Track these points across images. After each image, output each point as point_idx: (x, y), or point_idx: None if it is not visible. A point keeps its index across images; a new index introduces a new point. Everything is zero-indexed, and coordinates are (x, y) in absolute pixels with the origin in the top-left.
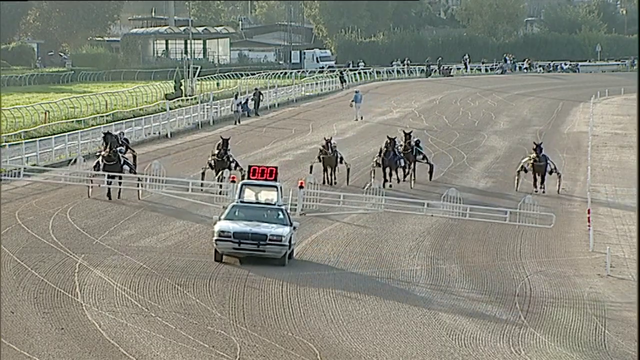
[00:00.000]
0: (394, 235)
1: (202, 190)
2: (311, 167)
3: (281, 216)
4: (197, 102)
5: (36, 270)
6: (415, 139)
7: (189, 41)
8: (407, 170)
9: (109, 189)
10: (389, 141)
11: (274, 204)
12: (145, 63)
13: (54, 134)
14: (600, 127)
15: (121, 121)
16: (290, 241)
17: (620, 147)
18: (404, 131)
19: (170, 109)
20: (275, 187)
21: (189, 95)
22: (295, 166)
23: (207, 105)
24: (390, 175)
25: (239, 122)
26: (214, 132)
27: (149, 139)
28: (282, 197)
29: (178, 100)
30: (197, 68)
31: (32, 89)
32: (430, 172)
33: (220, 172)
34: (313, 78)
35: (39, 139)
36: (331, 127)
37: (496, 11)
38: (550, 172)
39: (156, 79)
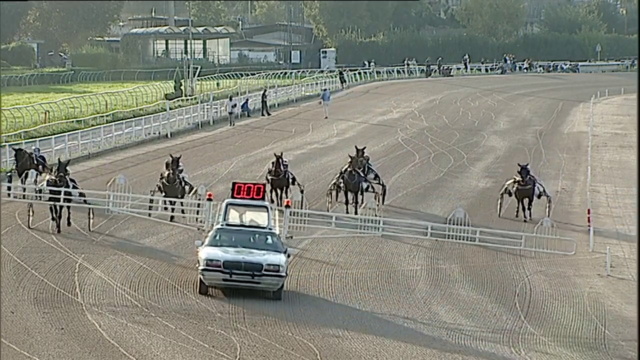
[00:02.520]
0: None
1: (180, 214)
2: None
3: (273, 241)
4: (197, 102)
5: (36, 270)
6: (366, 156)
7: (189, 41)
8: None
9: (57, 220)
10: (353, 160)
11: (265, 227)
12: (145, 63)
13: (54, 134)
14: (600, 127)
15: (121, 121)
16: (286, 271)
17: (621, 147)
18: (355, 147)
19: (170, 109)
20: (265, 207)
21: (189, 95)
22: (295, 166)
23: (207, 105)
24: (356, 201)
25: (233, 123)
26: (214, 132)
27: (148, 139)
28: (272, 218)
29: (178, 100)
30: (197, 68)
31: (32, 89)
32: (383, 195)
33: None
34: (313, 78)
35: (39, 139)
36: (331, 127)
37: (496, 11)
38: (539, 196)
39: (156, 79)
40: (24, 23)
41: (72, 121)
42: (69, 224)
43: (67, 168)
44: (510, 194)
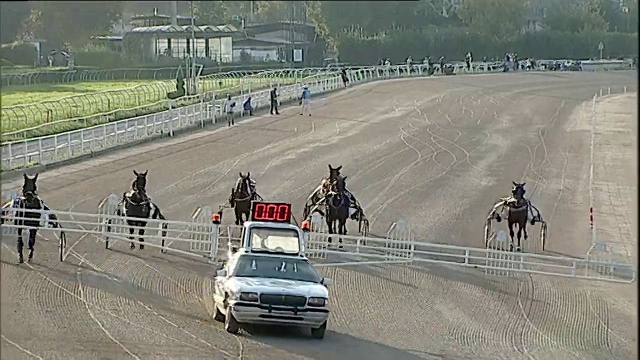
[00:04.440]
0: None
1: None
2: (220, 212)
3: (308, 270)
4: (199, 101)
5: (39, 269)
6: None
7: (191, 40)
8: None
9: (25, 249)
10: (335, 180)
11: (296, 254)
12: (147, 62)
13: (57, 133)
14: (603, 125)
15: (123, 120)
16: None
17: (623, 145)
18: (329, 167)
19: (173, 107)
20: (295, 231)
21: (191, 94)
22: (297, 165)
23: (210, 104)
24: (341, 230)
25: (232, 123)
26: (216, 131)
27: (151, 137)
28: (303, 244)
29: (180, 99)
30: (199, 67)
31: (34, 87)
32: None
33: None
34: (315, 77)
35: (42, 137)
36: (333, 126)
37: (498, 9)
38: (533, 222)
39: (158, 77)
40: (26, 22)
41: (75, 120)
42: (30, 255)
43: (36, 184)
44: (499, 219)
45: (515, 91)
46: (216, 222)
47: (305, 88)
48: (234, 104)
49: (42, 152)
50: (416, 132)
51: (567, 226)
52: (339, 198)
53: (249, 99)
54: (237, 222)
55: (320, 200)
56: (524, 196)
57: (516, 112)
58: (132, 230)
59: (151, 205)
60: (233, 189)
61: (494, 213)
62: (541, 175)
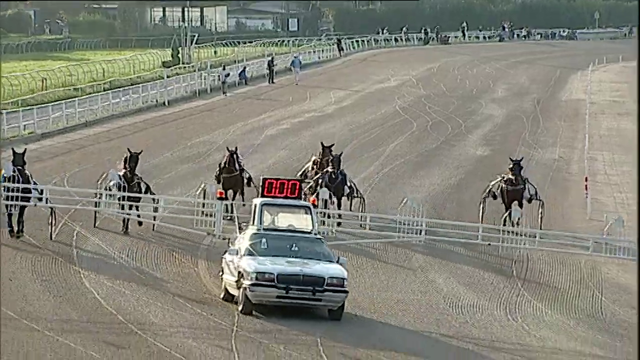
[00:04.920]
0: (391, 203)
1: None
2: (204, 191)
3: (323, 249)
4: (195, 70)
5: (34, 238)
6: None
7: (186, 8)
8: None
9: (14, 228)
10: (331, 157)
11: (310, 232)
12: (142, 31)
13: (51, 102)
14: (598, 95)
15: (118, 89)
16: None
17: (619, 114)
18: (322, 144)
19: (168, 76)
20: (308, 208)
21: (186, 63)
22: (292, 134)
23: (205, 73)
24: (338, 208)
25: (226, 92)
26: (211, 100)
27: (146, 107)
28: (316, 221)
29: (175, 68)
30: (194, 36)
31: (29, 56)
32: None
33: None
34: (310, 46)
35: (36, 106)
36: (329, 96)
37: None
38: (530, 200)
39: (153, 46)
40: None
41: (69, 89)
42: (20, 230)
43: (25, 159)
44: (495, 197)
45: (511, 60)
46: (221, 198)
47: (295, 57)
48: (228, 74)
49: (37, 121)
50: (411, 102)
51: (562, 195)
52: (334, 176)
53: (244, 68)
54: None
55: (316, 177)
56: (522, 172)
57: (512, 82)
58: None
59: (142, 185)
60: (220, 164)
61: (489, 191)
62: (536, 144)
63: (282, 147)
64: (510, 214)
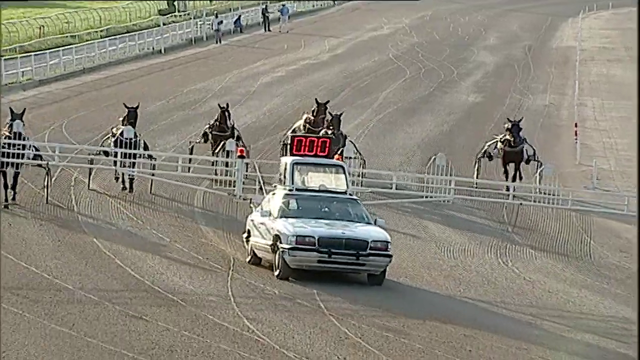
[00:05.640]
0: (384, 150)
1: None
2: (192, 148)
3: (360, 211)
4: (190, 18)
5: (33, 183)
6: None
7: None
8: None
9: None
10: (330, 116)
11: (345, 193)
12: None
13: (49, 49)
14: (588, 42)
15: (115, 36)
16: None
17: (608, 61)
18: (316, 100)
19: (164, 24)
20: (341, 167)
21: (182, 11)
22: (287, 82)
23: (200, 21)
24: None
25: (220, 41)
26: (207, 48)
27: (142, 54)
28: (350, 181)
29: (171, 16)
30: None
31: (26, 3)
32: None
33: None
34: None
35: (34, 53)
36: (323, 44)
37: None
38: (528, 161)
39: None
40: None
41: (67, 36)
42: (13, 197)
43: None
44: (490, 158)
45: (503, 8)
46: (242, 156)
47: (283, 5)
48: (221, 22)
49: (34, 67)
50: (404, 50)
51: (552, 141)
52: (334, 137)
53: (239, 16)
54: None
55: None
56: (520, 133)
57: (503, 29)
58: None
59: (141, 143)
60: (210, 122)
61: (485, 151)
62: (527, 91)
63: (276, 94)
64: (507, 176)
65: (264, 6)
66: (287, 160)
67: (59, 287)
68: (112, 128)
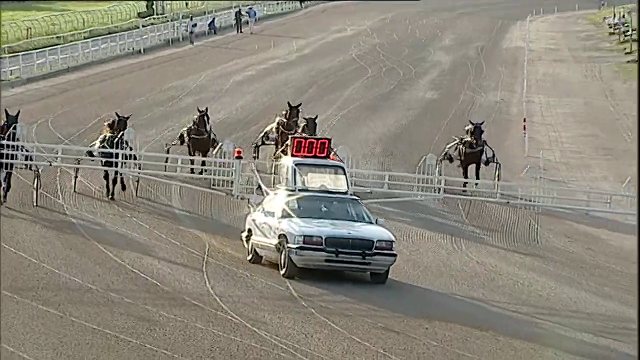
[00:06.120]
0: (349, 143)
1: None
2: (168, 150)
3: (361, 211)
4: (167, 21)
5: (20, 174)
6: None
7: None
8: None
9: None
10: (305, 120)
11: (346, 193)
12: None
13: (36, 49)
14: (535, 43)
15: (97, 37)
16: None
17: (554, 60)
18: (289, 104)
19: (143, 26)
20: (341, 168)
21: (160, 14)
22: (258, 81)
23: (177, 23)
24: None
25: (193, 42)
26: (183, 49)
27: (123, 54)
28: (349, 181)
29: (150, 19)
30: None
31: (15, 6)
32: None
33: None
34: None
35: (22, 53)
36: (291, 44)
37: None
38: (487, 163)
39: None
40: None
41: (52, 37)
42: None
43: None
44: (451, 160)
45: (458, 12)
46: (239, 157)
47: (250, 8)
48: (195, 25)
49: (22, 66)
50: (366, 50)
51: (502, 135)
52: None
53: (214, 19)
54: (192, 162)
55: (267, 134)
56: (482, 136)
57: (458, 31)
58: (107, 175)
59: (128, 149)
60: (188, 127)
61: (446, 154)
62: (479, 88)
63: (248, 92)
64: (465, 175)
65: (237, 9)
66: (288, 161)
67: (47, 271)
68: (100, 133)
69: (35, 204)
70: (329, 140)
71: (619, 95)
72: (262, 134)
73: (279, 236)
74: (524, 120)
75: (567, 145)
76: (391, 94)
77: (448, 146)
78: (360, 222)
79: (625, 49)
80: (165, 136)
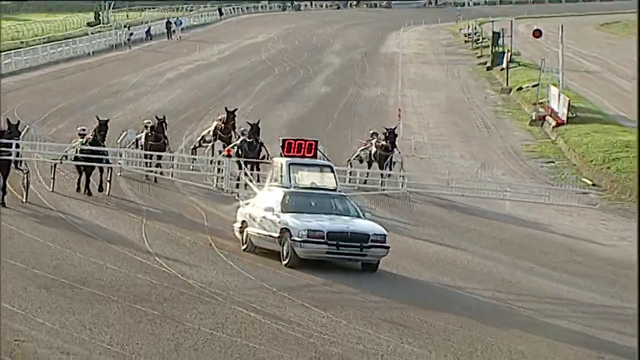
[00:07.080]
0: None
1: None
2: (121, 154)
3: (352, 206)
4: (112, 29)
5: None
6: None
7: None
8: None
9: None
10: (249, 124)
11: (336, 190)
12: None
13: (3, 51)
14: (407, 49)
15: (54, 42)
16: None
17: (422, 63)
18: (226, 109)
19: (92, 33)
20: (330, 167)
21: (105, 24)
22: (186, 79)
23: (120, 31)
24: (258, 170)
25: (130, 47)
26: (125, 52)
27: (75, 56)
28: (337, 179)
29: (97, 27)
30: (112, 2)
31: None
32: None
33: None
34: (199, 11)
35: None
36: (213, 48)
37: None
38: (394, 163)
39: (81, 10)
40: None
41: (17, 42)
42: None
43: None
44: (361, 161)
45: (346, 23)
46: (229, 156)
47: (177, 18)
48: (132, 33)
49: None
50: (274, 54)
51: (382, 122)
52: (254, 144)
53: (150, 27)
54: (147, 164)
55: (232, 145)
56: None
57: (346, 39)
58: (80, 180)
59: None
60: (146, 133)
61: (357, 155)
62: (364, 85)
63: (178, 87)
64: (382, 174)
65: (167, 20)
66: (282, 160)
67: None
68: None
69: (25, 200)
70: (316, 142)
71: (472, 90)
72: (200, 137)
73: (281, 230)
74: (399, 110)
75: (433, 130)
76: (293, 89)
77: (360, 149)
78: (351, 216)
79: (477, 53)
80: (115, 122)
